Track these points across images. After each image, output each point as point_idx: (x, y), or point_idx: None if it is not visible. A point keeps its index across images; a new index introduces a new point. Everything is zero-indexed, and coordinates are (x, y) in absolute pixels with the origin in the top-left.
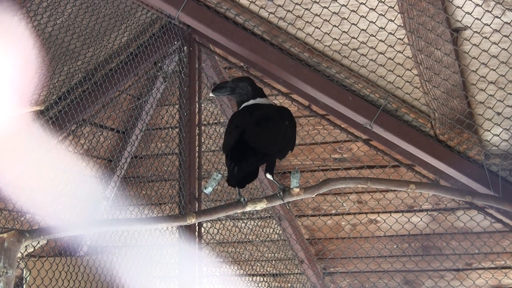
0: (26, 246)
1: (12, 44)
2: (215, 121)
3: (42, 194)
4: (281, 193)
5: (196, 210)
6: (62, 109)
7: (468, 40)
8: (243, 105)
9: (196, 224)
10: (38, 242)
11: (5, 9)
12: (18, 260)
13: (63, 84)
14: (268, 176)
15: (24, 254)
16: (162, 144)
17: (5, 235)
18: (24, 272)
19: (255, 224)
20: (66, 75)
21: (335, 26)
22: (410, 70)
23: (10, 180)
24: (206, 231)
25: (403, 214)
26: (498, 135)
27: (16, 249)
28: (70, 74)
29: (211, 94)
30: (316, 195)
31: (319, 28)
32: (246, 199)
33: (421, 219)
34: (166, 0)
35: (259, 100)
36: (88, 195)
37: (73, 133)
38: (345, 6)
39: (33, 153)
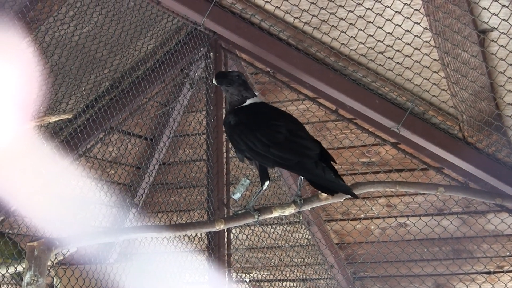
0: (56, 254)
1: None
2: None
3: (71, 202)
4: (301, 200)
5: (225, 216)
6: (90, 117)
7: (495, 42)
8: (248, 102)
9: (225, 230)
10: (68, 250)
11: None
12: (49, 268)
13: (91, 92)
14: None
15: (54, 262)
16: (190, 150)
17: (35, 243)
18: (55, 280)
19: (284, 229)
20: (94, 83)
21: (360, 29)
22: (437, 73)
23: (38, 189)
24: (235, 237)
25: (432, 218)
26: None
27: (46, 257)
28: (97, 82)
29: (214, 82)
30: (345, 199)
31: (345, 32)
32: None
33: (451, 222)
34: (191, 7)
35: (258, 99)
36: (117, 202)
37: (101, 140)
38: (371, 9)
39: (61, 162)
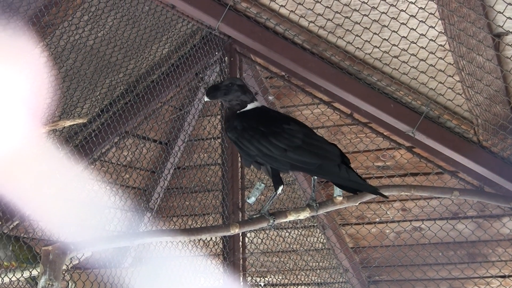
0: (71, 258)
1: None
2: None
3: (86, 206)
4: (317, 204)
5: (240, 220)
6: (105, 121)
7: (510, 45)
8: (249, 107)
9: (240, 234)
10: (83, 254)
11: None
12: (63, 272)
13: (106, 96)
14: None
15: (69, 266)
16: (205, 154)
17: (50, 247)
18: (70, 284)
19: (299, 233)
20: (108, 88)
21: (375, 33)
22: (452, 77)
23: (53, 194)
24: (250, 241)
25: (447, 221)
26: None
27: (61, 261)
28: (112, 87)
29: (206, 99)
30: (360, 203)
31: (360, 36)
32: (316, 204)
33: (466, 226)
34: (206, 11)
35: (259, 103)
36: (132, 206)
37: (116, 145)
38: (385, 13)
39: (75, 166)
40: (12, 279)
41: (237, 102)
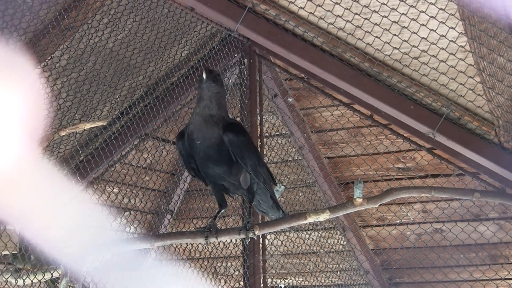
0: (91, 261)
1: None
2: (277, 133)
3: (106, 209)
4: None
5: (260, 222)
6: (125, 123)
7: None
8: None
9: (260, 236)
10: (103, 256)
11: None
12: (84, 274)
13: (125, 99)
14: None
15: (90, 268)
16: None
17: (70, 249)
18: (90, 286)
19: (319, 235)
20: (128, 90)
21: (395, 35)
22: (473, 78)
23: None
24: (270, 243)
25: (469, 223)
26: None
27: (82, 263)
28: (132, 89)
29: (204, 76)
30: (380, 205)
31: (379, 38)
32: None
33: (487, 228)
34: (225, 13)
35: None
36: (152, 208)
37: (136, 147)
38: (405, 14)
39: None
40: (33, 281)
41: (219, 103)
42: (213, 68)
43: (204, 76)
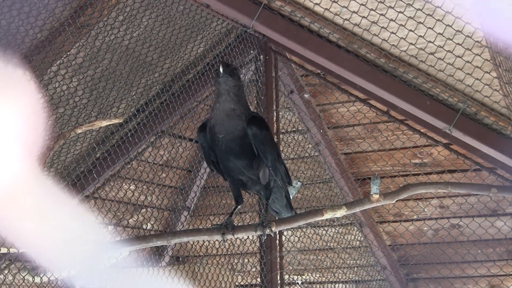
0: (108, 257)
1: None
2: (293, 129)
3: (124, 205)
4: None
5: (276, 218)
6: (141, 121)
7: None
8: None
9: (277, 233)
10: (121, 254)
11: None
12: (101, 271)
13: (141, 96)
14: None
15: (107, 266)
16: None
17: (88, 247)
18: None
19: (336, 231)
20: (144, 87)
21: (411, 30)
22: (489, 73)
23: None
24: (287, 239)
25: (486, 219)
26: None
27: (99, 260)
28: (148, 86)
29: (221, 70)
30: (397, 200)
31: (395, 33)
32: None
33: (505, 223)
34: (241, 10)
35: None
36: (168, 205)
37: (152, 144)
38: (421, 10)
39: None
40: (51, 279)
41: (238, 96)
42: (230, 62)
43: (220, 70)
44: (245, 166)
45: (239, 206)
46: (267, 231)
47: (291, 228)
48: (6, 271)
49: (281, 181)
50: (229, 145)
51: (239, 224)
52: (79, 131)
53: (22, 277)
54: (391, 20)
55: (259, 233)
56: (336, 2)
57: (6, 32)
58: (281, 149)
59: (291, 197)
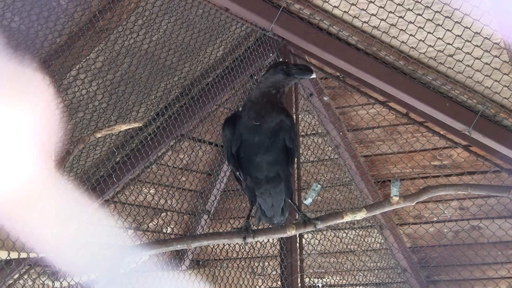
0: (128, 262)
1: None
2: (313, 132)
3: (144, 209)
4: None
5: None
6: (161, 124)
7: None
8: None
9: (297, 236)
10: (140, 258)
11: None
12: (121, 275)
13: (161, 100)
14: None
15: (127, 270)
16: None
17: (107, 251)
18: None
19: (356, 233)
20: (164, 91)
21: (429, 33)
22: (508, 75)
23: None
24: (307, 242)
25: (506, 220)
26: None
27: (119, 264)
28: (167, 90)
29: (314, 75)
30: (417, 203)
31: (414, 36)
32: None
33: None
34: (260, 13)
35: None
36: (189, 209)
37: (172, 148)
38: (439, 12)
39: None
40: (71, 283)
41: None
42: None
43: (309, 76)
44: (271, 161)
45: (254, 207)
46: (318, 225)
47: (311, 231)
48: (26, 276)
49: (286, 181)
50: (263, 136)
51: (260, 228)
52: (98, 135)
53: (41, 282)
54: (410, 22)
55: (309, 229)
56: (355, 5)
57: (25, 37)
58: (301, 151)
59: (311, 200)
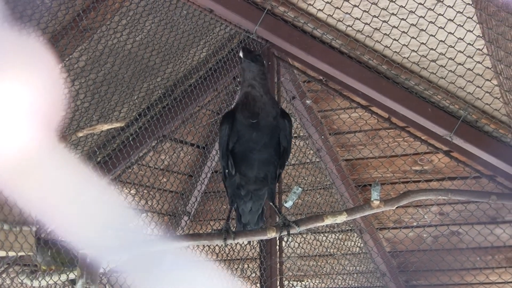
0: (108, 262)
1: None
2: (295, 135)
3: (124, 210)
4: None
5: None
6: (143, 125)
7: None
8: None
9: (277, 238)
10: (120, 258)
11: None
12: (100, 276)
13: (143, 100)
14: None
15: (107, 270)
16: None
17: (87, 251)
18: (107, 287)
19: (336, 237)
20: (146, 92)
21: (413, 37)
22: (490, 81)
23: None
24: (287, 245)
25: (485, 226)
26: None
27: (98, 264)
28: (150, 91)
29: (241, 55)
30: (397, 207)
31: (397, 40)
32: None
33: (504, 231)
34: (244, 15)
35: None
36: (169, 210)
37: (153, 149)
38: (423, 17)
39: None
40: (49, 283)
41: (264, 85)
42: (253, 48)
43: (241, 55)
44: (264, 160)
45: (233, 208)
46: (293, 230)
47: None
48: (4, 275)
49: (272, 184)
50: (261, 133)
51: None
52: (80, 134)
53: (20, 280)
54: (394, 27)
55: (283, 233)
56: (339, 9)
57: (8, 35)
58: None
59: (291, 202)
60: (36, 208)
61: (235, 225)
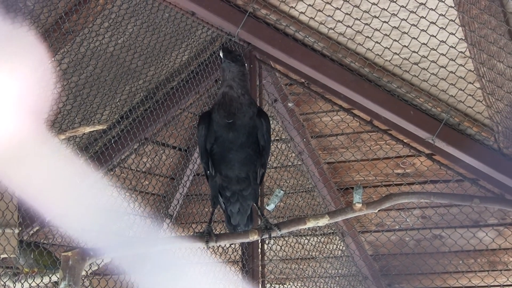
0: (90, 264)
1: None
2: (277, 138)
3: (106, 213)
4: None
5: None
6: (124, 127)
7: None
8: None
9: (259, 241)
10: (102, 260)
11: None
12: (83, 278)
13: (125, 103)
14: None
15: (89, 272)
16: None
17: (69, 253)
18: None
19: (318, 240)
20: (128, 94)
21: (395, 40)
22: (473, 84)
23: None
24: (269, 248)
25: (468, 229)
26: None
27: (80, 267)
28: (132, 93)
29: (221, 54)
30: (379, 210)
31: (379, 43)
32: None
33: (486, 234)
34: (226, 18)
35: None
36: (151, 213)
37: (135, 151)
38: (405, 20)
39: (95, 172)
40: (32, 285)
41: (244, 86)
42: (234, 48)
43: (221, 55)
44: (243, 159)
45: (216, 210)
46: (274, 233)
47: (273, 236)
48: None
49: (255, 185)
50: (237, 133)
51: (222, 232)
52: (62, 137)
53: (3, 283)
54: (376, 29)
55: (265, 236)
56: (321, 11)
57: None
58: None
59: (273, 205)
60: (20, 208)
61: (224, 227)
